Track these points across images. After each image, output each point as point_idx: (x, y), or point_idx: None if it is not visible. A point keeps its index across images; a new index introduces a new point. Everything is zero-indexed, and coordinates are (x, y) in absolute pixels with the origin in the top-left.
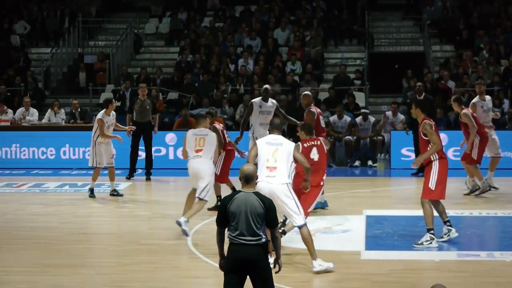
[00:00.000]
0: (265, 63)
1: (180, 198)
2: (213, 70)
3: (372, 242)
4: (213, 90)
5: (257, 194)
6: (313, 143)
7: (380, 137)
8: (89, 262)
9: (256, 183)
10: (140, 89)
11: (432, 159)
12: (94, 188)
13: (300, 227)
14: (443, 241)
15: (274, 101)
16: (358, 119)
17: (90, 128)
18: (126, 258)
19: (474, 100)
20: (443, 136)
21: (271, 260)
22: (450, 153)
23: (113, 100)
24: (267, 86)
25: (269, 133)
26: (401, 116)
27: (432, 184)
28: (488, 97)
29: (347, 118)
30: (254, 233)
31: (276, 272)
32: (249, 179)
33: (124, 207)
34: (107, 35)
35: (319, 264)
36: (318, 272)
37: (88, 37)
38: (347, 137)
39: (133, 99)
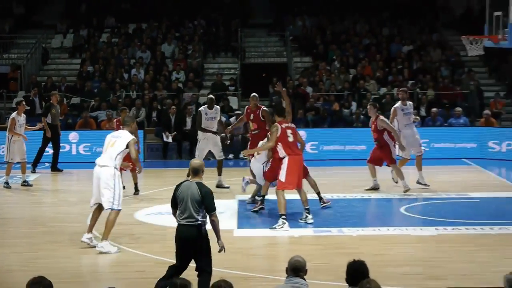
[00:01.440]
0: (154, 72)
1: (82, 187)
2: (109, 79)
3: (243, 222)
4: (109, 95)
5: (198, 183)
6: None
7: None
8: (4, 242)
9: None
10: (53, 96)
11: (283, 155)
12: (9, 180)
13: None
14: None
15: (218, 107)
16: (232, 119)
17: (5, 129)
18: (35, 238)
19: (396, 105)
20: (302, 133)
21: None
22: (308, 147)
23: (23, 102)
24: (211, 96)
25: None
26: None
27: (282, 177)
28: (409, 103)
29: (222, 119)
30: (192, 216)
31: (219, 251)
32: (195, 171)
33: (33, 195)
34: (19, 49)
35: (101, 246)
36: (100, 252)
37: (2, 50)
38: (222, 134)
39: (46, 105)
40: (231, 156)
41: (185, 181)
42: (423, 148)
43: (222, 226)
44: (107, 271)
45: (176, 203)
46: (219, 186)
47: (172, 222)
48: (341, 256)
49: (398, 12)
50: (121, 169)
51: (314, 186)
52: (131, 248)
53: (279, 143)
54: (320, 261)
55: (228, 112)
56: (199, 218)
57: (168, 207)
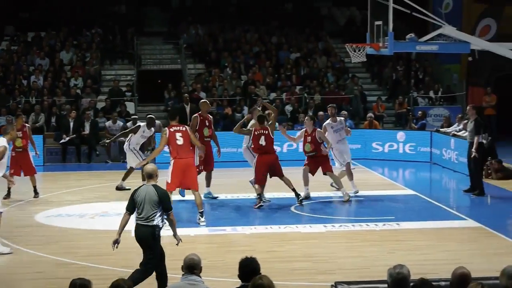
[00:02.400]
0: (53, 79)
1: None
2: (9, 85)
3: None
4: (9, 101)
5: (154, 186)
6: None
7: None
8: None
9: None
10: None
11: (170, 159)
12: None
13: None
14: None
15: (159, 122)
16: (129, 124)
17: None
18: None
19: (327, 121)
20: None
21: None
22: None
23: None
24: (152, 115)
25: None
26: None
27: (168, 179)
28: (340, 119)
29: (119, 123)
30: (149, 217)
31: (176, 244)
32: (149, 175)
33: None
34: None
35: None
36: None
37: None
38: (120, 138)
39: None
40: None
41: (142, 186)
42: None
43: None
44: (6, 272)
45: (133, 206)
46: (119, 188)
47: (71, 224)
48: (234, 253)
49: (285, 21)
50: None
51: (289, 184)
52: (32, 250)
53: (169, 146)
54: (215, 258)
55: (126, 117)
56: (155, 219)
57: (67, 209)
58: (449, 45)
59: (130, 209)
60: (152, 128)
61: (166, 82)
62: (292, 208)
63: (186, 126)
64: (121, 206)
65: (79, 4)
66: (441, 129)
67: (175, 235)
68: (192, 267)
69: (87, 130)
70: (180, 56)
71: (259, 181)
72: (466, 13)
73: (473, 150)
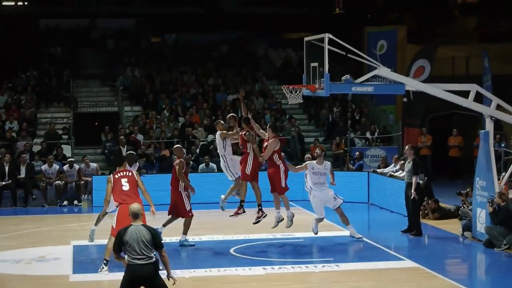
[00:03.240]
0: None
1: None
2: None
3: (79, 267)
4: None
5: (144, 225)
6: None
7: (83, 182)
8: None
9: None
10: None
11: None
12: None
13: None
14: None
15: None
16: (66, 167)
17: None
18: None
19: (309, 161)
20: None
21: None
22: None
23: None
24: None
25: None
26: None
27: (114, 224)
28: (327, 163)
29: (56, 166)
30: (146, 254)
31: (173, 284)
32: (136, 215)
33: None
34: None
35: None
36: None
37: None
38: (56, 182)
39: None
40: (65, 203)
41: (129, 226)
42: (340, 199)
43: (57, 272)
44: None
45: (121, 247)
46: None
47: (7, 269)
48: None
49: (222, 63)
50: None
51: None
52: None
53: (113, 193)
54: None
55: (62, 160)
56: (153, 255)
57: (3, 254)
58: (385, 86)
59: (118, 250)
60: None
61: (103, 124)
62: (232, 251)
63: (132, 171)
64: (58, 250)
65: (14, 46)
66: (378, 170)
67: (168, 274)
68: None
69: (22, 173)
70: (117, 98)
71: (249, 177)
72: (400, 54)
73: (412, 191)
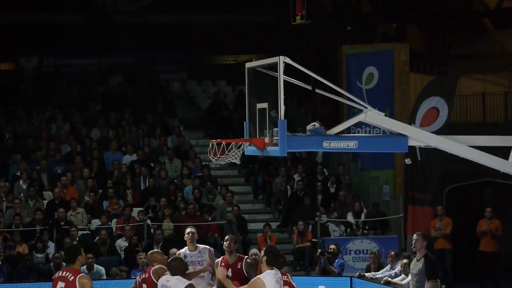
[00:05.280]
0: None
1: None
2: None
3: None
4: None
5: None
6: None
7: None
8: None
9: None
10: None
11: None
12: None
13: None
14: None
15: None
16: None
17: None
18: None
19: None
20: None
21: None
22: None
23: None
24: None
25: None
26: None
27: None
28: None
29: None
30: None
31: None
32: None
33: None
34: None
35: None
36: None
37: None
38: None
39: None
40: None
41: None
42: None
43: None
44: None
45: None
46: None
47: None
48: None
49: (114, 103)
50: None
51: None
52: None
53: None
54: None
55: None
56: None
57: None
58: (376, 141)
59: None
60: None
61: None
62: None
63: (75, 275)
64: None
65: None
66: (366, 274)
67: None
68: None
69: None
70: None
71: None
72: (399, 88)
73: None
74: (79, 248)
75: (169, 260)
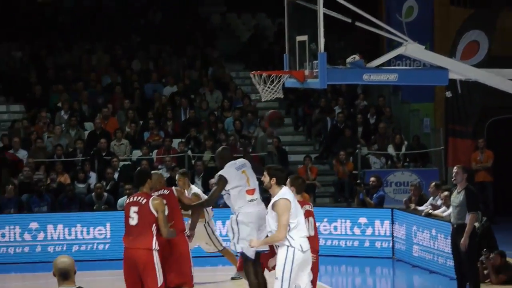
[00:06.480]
0: None
1: None
2: None
3: None
4: None
5: None
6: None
7: None
8: None
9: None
10: None
11: None
12: None
13: None
14: None
15: None
16: None
17: None
18: None
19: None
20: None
21: None
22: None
23: None
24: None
25: None
26: None
27: None
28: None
29: None
30: None
31: None
32: (65, 275)
33: None
34: None
35: None
36: None
37: None
38: None
39: None
40: None
41: None
42: None
43: None
44: None
45: None
46: None
47: None
48: None
49: (154, 36)
50: None
51: None
52: None
53: None
54: None
55: None
56: None
57: None
58: (416, 74)
59: None
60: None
61: None
62: None
63: (147, 198)
64: None
65: None
66: (411, 205)
67: None
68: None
69: None
70: None
71: None
72: (440, 22)
73: (463, 240)
74: (148, 172)
75: None
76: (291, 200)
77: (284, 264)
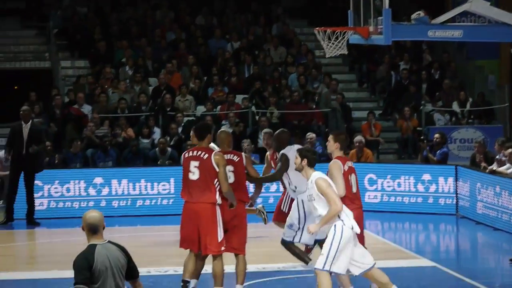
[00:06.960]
0: None
1: None
2: None
3: None
4: None
5: (114, 243)
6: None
7: None
8: None
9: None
10: None
11: None
12: None
13: None
14: None
15: None
16: None
17: None
18: None
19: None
20: None
21: None
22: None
23: None
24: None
25: None
26: None
27: None
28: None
29: None
30: None
31: None
32: (95, 229)
33: None
34: None
35: None
36: None
37: None
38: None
39: None
40: None
41: (95, 246)
42: None
43: None
44: None
45: (92, 280)
46: None
47: None
48: None
49: None
50: None
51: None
52: None
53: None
54: None
55: None
56: None
57: None
58: (481, 30)
59: (86, 281)
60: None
61: (27, 88)
62: None
63: (209, 153)
64: None
65: None
66: (477, 161)
67: None
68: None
69: None
70: (49, 47)
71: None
72: None
73: None
74: (210, 127)
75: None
76: (326, 178)
77: (332, 241)
